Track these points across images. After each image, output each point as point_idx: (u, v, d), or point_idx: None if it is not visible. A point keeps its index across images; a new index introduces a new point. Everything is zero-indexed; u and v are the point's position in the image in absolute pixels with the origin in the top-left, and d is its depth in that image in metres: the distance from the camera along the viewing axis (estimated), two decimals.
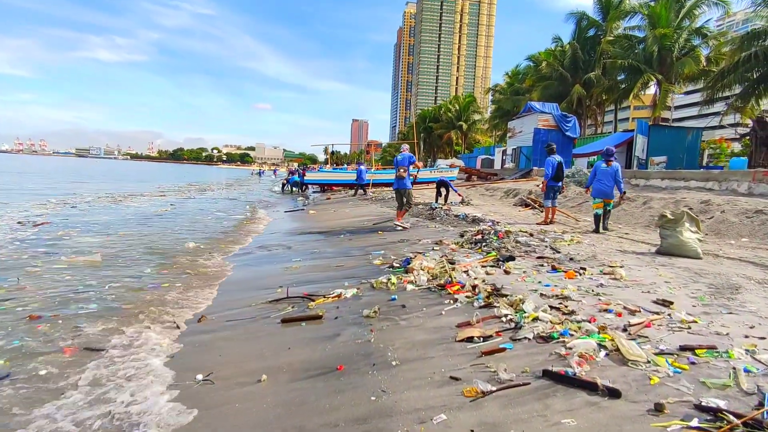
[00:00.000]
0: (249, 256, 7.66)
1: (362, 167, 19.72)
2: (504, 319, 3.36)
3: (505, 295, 3.87)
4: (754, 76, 20.22)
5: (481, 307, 3.72)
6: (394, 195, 9.64)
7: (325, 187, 24.72)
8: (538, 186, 15.33)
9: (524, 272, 4.89)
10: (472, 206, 12.83)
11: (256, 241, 9.30)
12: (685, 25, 24.32)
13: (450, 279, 4.63)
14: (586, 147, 23.21)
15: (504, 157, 29.41)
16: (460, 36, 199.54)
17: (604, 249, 6.41)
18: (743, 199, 8.63)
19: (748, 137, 28.52)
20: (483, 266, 5.31)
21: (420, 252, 6.46)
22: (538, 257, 5.65)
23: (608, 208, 8.17)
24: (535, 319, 3.26)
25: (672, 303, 3.56)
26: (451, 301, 3.97)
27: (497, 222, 9.00)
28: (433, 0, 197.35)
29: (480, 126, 58.22)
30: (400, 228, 9.03)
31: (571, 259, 5.51)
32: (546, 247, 6.46)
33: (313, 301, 4.47)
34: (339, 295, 4.59)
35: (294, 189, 27.16)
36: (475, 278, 4.68)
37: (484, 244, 6.54)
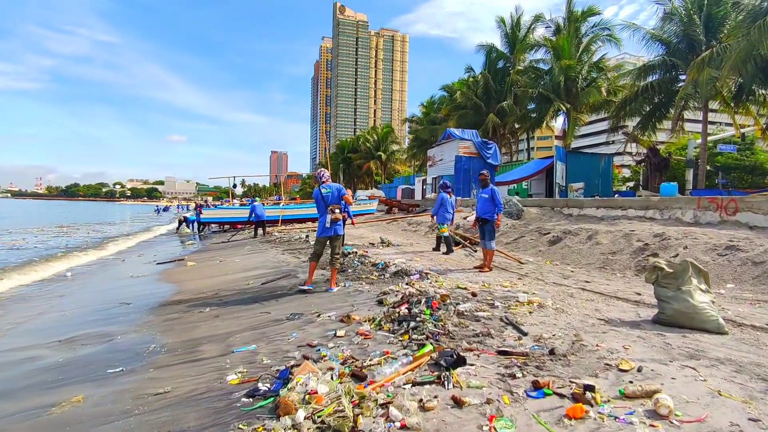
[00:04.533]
0: None
1: (256, 202, 16.62)
2: None
3: None
4: (650, 106, 21.19)
5: None
6: (315, 244, 6.48)
7: (226, 226, 21.29)
8: (465, 219, 13.73)
9: (488, 401, 2.64)
10: (393, 247, 10.68)
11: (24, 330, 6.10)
12: (585, 60, 25.46)
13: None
14: (506, 175, 22.68)
15: (424, 187, 28.29)
16: (375, 70, 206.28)
17: (577, 316, 4.47)
18: (698, 231, 7.43)
19: (643, 164, 30.61)
20: (414, 383, 3.00)
21: (313, 345, 4.00)
22: (500, 351, 3.47)
23: (447, 234, 9.52)
24: None
25: None
26: None
27: (426, 273, 6.86)
28: (348, 36, 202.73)
29: (399, 156, 58.20)
30: (304, 289, 6.41)
31: (551, 351, 3.40)
32: (501, 319, 4.36)
33: None
34: None
35: (191, 228, 23.25)
36: (402, 425, 2.36)
37: (412, 323, 4.25)
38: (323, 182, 6.41)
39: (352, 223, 6.88)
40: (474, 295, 5.49)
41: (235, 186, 22.92)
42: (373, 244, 11.23)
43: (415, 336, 3.89)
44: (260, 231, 16.36)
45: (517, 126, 30.84)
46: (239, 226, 21.04)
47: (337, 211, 6.34)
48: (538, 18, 27.47)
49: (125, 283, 8.98)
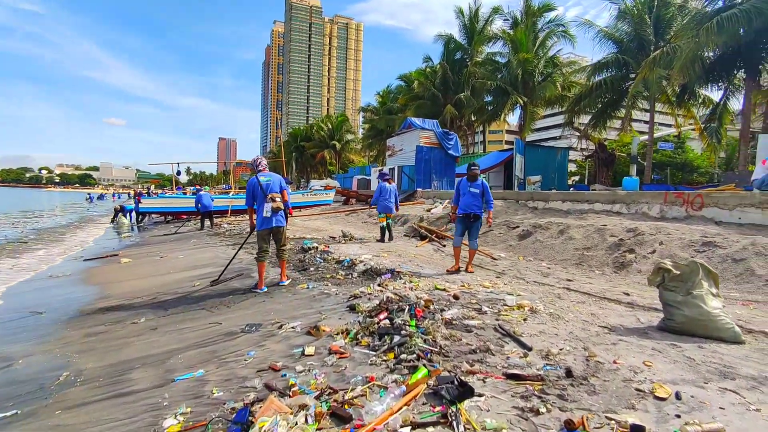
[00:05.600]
0: None
1: (203, 191, 15.17)
2: None
3: None
4: (602, 103, 21.78)
5: None
6: (258, 240, 5.88)
7: (170, 216, 19.54)
8: (428, 211, 13.26)
9: None
10: (356, 241, 9.96)
11: None
12: (541, 54, 25.81)
13: None
14: (465, 167, 22.53)
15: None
16: (329, 58, 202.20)
17: (576, 323, 4.02)
18: (669, 226, 7.35)
19: (591, 159, 31.84)
20: (414, 424, 2.37)
21: (278, 368, 3.25)
22: (509, 375, 2.89)
23: (389, 222, 9.81)
24: None
25: None
26: None
27: (398, 272, 6.24)
28: (301, 21, 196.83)
29: (353, 146, 57.22)
30: (260, 291, 5.68)
31: (568, 373, 2.87)
32: (495, 329, 3.82)
33: None
34: None
35: (128, 219, 21.18)
36: None
37: (396, 337, 3.59)
38: (260, 170, 5.86)
39: (290, 213, 6.22)
40: (456, 298, 4.93)
41: (178, 173, 21.08)
42: (333, 237, 10.46)
43: (403, 356, 3.23)
44: (207, 223, 15.01)
45: (473, 118, 30.91)
46: (184, 217, 19.40)
47: (278, 199, 5.73)
48: (496, 10, 27.47)
49: (41, 285, 7.62)
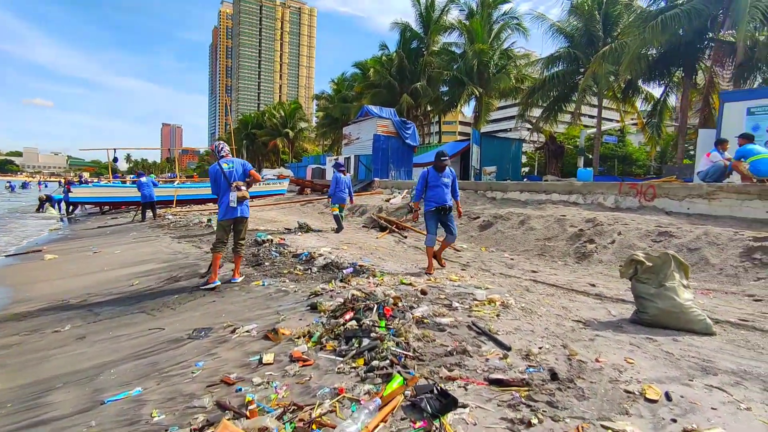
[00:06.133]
0: None
1: (144, 178, 13.91)
2: None
3: None
4: (554, 95, 22.41)
5: None
6: (218, 230, 5.49)
7: (107, 207, 17.96)
8: (387, 201, 13.00)
9: None
10: (313, 233, 9.51)
11: None
12: (496, 46, 26.15)
13: None
14: (422, 157, 22.47)
15: None
16: (282, 43, 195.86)
17: (549, 318, 3.88)
18: (625, 216, 7.52)
19: (541, 150, 32.95)
20: None
21: (231, 382, 2.83)
22: (491, 380, 2.66)
23: (341, 213, 9.92)
24: None
25: None
26: None
27: (361, 266, 5.91)
28: (251, 3, 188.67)
29: (307, 134, 55.88)
30: (210, 287, 5.18)
31: (553, 376, 2.67)
32: (469, 327, 3.60)
33: None
34: None
35: (56, 209, 19.30)
36: None
37: (365, 339, 3.27)
38: (223, 156, 5.47)
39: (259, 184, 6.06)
40: (424, 293, 4.68)
41: (115, 160, 19.35)
42: (289, 229, 9.93)
43: (375, 362, 2.91)
44: (149, 214, 13.87)
45: (429, 108, 30.93)
46: (123, 208, 17.92)
47: (244, 188, 5.40)
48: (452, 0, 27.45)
49: None
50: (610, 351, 3.10)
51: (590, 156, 31.48)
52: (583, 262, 6.42)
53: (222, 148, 5.52)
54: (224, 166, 5.36)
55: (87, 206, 19.34)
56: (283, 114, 56.42)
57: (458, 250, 7.62)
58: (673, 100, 20.49)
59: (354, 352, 3.12)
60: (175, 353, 3.43)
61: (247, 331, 3.77)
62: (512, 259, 6.93)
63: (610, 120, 34.24)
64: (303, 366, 3.02)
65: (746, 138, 7.50)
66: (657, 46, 15.28)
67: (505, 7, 25.67)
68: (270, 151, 59.22)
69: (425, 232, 6.14)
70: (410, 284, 5.13)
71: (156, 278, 5.99)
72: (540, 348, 3.15)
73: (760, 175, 6.97)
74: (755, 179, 7.08)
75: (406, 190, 14.15)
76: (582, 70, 20.87)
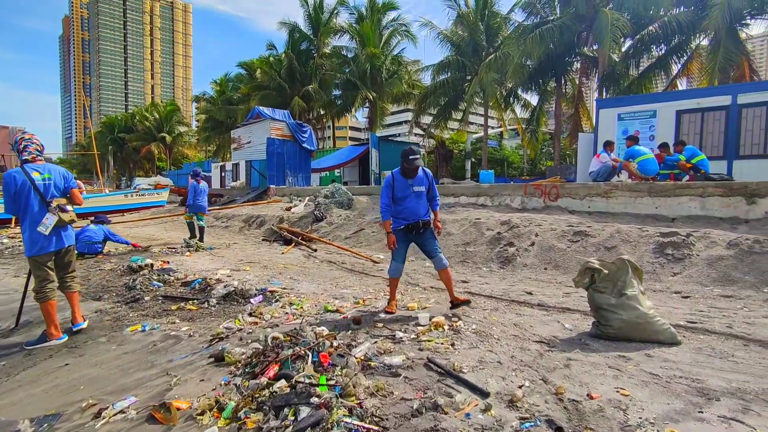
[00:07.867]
0: None
1: None
2: None
3: None
4: (444, 101, 23.29)
5: None
6: (36, 269, 3.73)
7: None
8: (288, 210, 11.87)
9: None
10: (206, 253, 8.05)
11: None
12: (387, 52, 26.41)
13: None
14: (320, 161, 21.52)
15: (223, 174, 24.43)
16: (152, 39, 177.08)
17: (508, 341, 3.39)
18: (536, 217, 7.62)
19: (433, 154, 34.39)
20: None
21: None
22: None
23: (202, 223, 9.27)
24: None
25: None
26: None
27: (271, 290, 4.89)
28: None
29: (187, 139, 50.88)
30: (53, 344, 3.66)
31: (557, 430, 2.10)
32: (426, 366, 2.90)
33: None
34: None
35: None
36: None
37: (304, 408, 2.34)
38: (29, 160, 3.69)
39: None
40: (357, 322, 3.89)
41: None
42: (173, 249, 8.29)
43: (313, 420, 2.03)
44: None
45: (323, 112, 30.09)
46: None
47: (69, 207, 3.78)
48: (341, 2, 27.03)
49: None
50: (594, 380, 2.66)
51: (473, 160, 33.80)
52: (508, 266, 6.23)
53: (28, 144, 3.72)
54: (35, 175, 3.64)
55: None
56: (157, 116, 50.53)
57: (376, 262, 6.96)
58: (549, 107, 22.65)
59: (291, 430, 2.19)
60: None
61: (121, 412, 2.56)
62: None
63: (491, 127, 37.14)
64: None
65: (632, 140, 8.16)
66: (535, 58, 16.62)
67: (394, 14, 26.06)
68: (143, 158, 52.63)
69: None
70: (337, 310, 4.30)
71: None
72: (520, 387, 2.58)
73: (647, 174, 7.58)
74: (643, 178, 7.70)
75: (308, 198, 13.13)
76: (469, 77, 21.99)
